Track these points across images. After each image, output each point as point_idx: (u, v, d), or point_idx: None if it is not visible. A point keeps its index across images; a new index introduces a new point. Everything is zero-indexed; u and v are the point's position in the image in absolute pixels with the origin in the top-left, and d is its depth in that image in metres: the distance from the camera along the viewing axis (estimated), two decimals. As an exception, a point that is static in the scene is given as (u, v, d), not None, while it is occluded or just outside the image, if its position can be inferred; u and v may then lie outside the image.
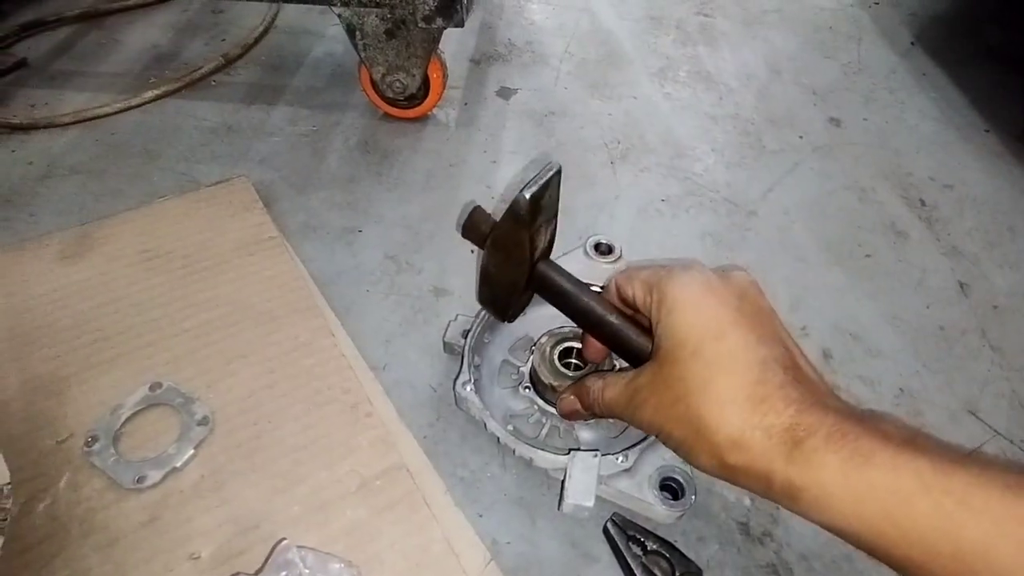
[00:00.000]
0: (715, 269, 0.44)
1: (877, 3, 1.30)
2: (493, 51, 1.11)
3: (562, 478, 0.52)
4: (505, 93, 1.01)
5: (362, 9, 0.78)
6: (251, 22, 1.11)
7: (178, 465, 0.52)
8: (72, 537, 0.48)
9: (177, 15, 1.15)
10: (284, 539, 0.46)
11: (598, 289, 0.52)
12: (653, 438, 0.53)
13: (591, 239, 0.68)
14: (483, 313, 0.62)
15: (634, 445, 0.53)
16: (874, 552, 0.33)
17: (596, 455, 0.51)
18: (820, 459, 0.33)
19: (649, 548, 0.49)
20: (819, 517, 0.34)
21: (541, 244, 0.48)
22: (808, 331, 0.69)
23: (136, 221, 0.73)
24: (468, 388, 0.56)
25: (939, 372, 0.66)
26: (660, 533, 0.51)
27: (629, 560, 0.49)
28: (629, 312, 0.48)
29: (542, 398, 0.59)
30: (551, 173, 0.44)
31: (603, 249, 0.68)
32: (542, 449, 0.53)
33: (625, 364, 0.51)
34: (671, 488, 0.51)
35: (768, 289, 0.45)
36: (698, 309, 0.40)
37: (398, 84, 0.86)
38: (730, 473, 0.37)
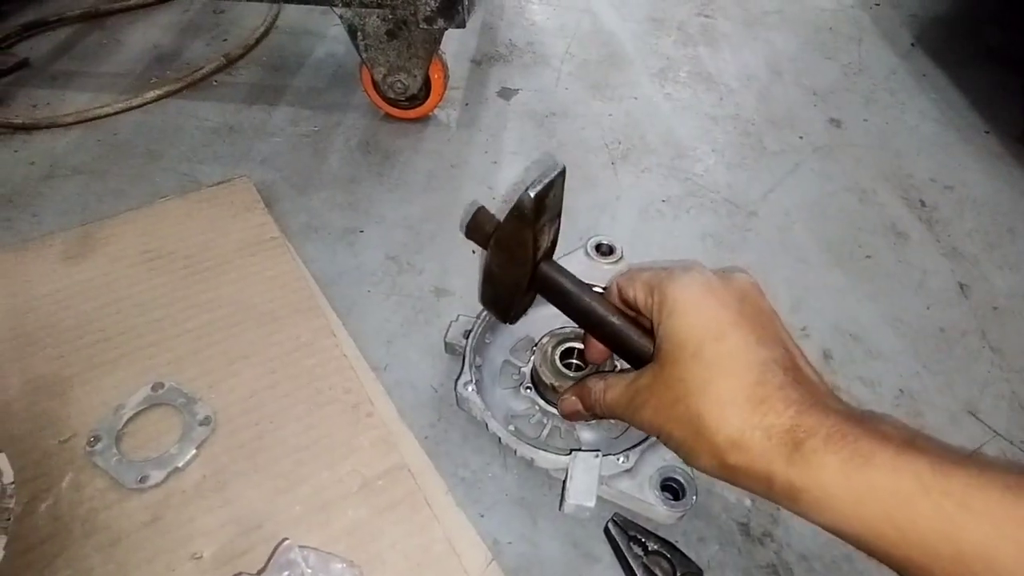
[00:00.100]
0: (716, 271, 0.44)
1: (878, 4, 1.30)
2: (494, 52, 1.11)
3: (563, 478, 0.52)
4: (506, 94, 1.01)
5: (364, 10, 0.78)
6: (252, 22, 1.11)
7: (180, 465, 0.52)
8: (74, 537, 0.48)
9: (178, 15, 1.15)
10: (286, 539, 0.47)
11: (600, 290, 0.52)
12: (654, 439, 0.53)
13: (592, 240, 0.68)
14: (484, 313, 0.62)
15: (635, 446, 0.53)
16: (875, 553, 0.33)
17: (597, 455, 0.51)
18: (820, 460, 0.33)
19: (650, 548, 0.50)
20: (819, 518, 0.34)
21: (544, 244, 0.48)
22: (808, 332, 0.69)
23: (138, 221, 0.73)
24: (470, 388, 0.56)
25: (939, 373, 0.66)
26: (661, 533, 0.51)
27: (630, 560, 0.49)
28: (631, 314, 0.48)
29: (543, 398, 0.59)
30: (555, 173, 0.44)
31: (604, 250, 0.68)
32: (543, 449, 0.53)
33: (626, 365, 0.51)
34: (672, 489, 0.52)
35: (768, 290, 0.45)
36: (698, 310, 0.40)
37: (399, 85, 0.86)
38: (730, 474, 0.37)
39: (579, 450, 0.53)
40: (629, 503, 0.52)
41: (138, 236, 0.71)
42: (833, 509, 0.33)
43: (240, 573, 0.46)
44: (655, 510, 0.51)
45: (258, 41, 1.07)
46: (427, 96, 0.90)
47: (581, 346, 0.59)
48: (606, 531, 0.51)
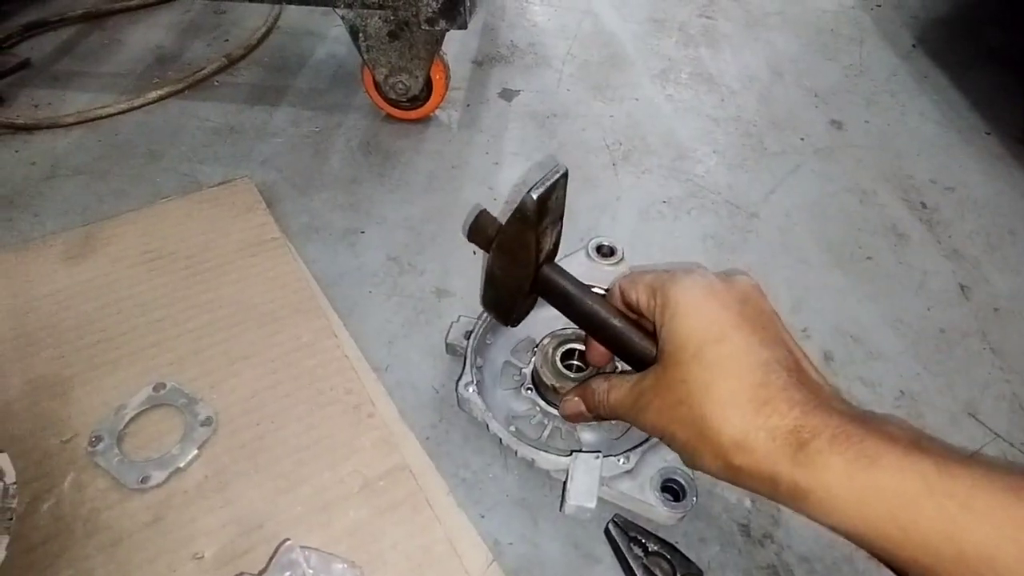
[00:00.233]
0: (718, 273, 0.44)
1: (879, 5, 1.30)
2: (495, 53, 1.11)
3: (564, 479, 0.52)
4: (507, 95, 1.01)
5: (365, 11, 0.78)
6: (254, 23, 1.11)
7: (182, 465, 0.52)
8: (76, 537, 0.48)
9: (180, 15, 1.15)
10: (288, 539, 0.47)
11: (601, 293, 0.52)
12: (655, 440, 0.53)
13: (593, 241, 0.68)
14: (485, 314, 0.62)
15: (636, 447, 0.53)
16: (879, 554, 0.33)
17: (598, 456, 0.51)
18: (825, 461, 0.33)
19: (650, 549, 0.50)
20: (824, 519, 0.34)
21: (546, 247, 0.48)
22: (809, 333, 0.69)
23: (139, 222, 0.73)
24: (471, 389, 0.56)
25: (940, 374, 0.66)
26: (661, 534, 0.51)
27: (630, 561, 0.49)
28: (632, 316, 0.48)
29: (544, 399, 0.59)
30: (558, 175, 0.44)
31: (605, 251, 0.68)
32: (544, 450, 0.53)
33: (628, 368, 0.51)
34: (672, 490, 0.52)
35: (769, 291, 0.45)
36: (700, 312, 0.40)
37: (401, 86, 0.86)
38: (734, 475, 0.37)
39: (580, 451, 0.53)
40: (630, 504, 0.52)
41: (139, 236, 0.71)
42: (838, 510, 0.33)
43: (242, 573, 0.46)
44: (656, 511, 0.51)
45: (259, 42, 1.08)
46: (428, 97, 0.90)
47: (582, 347, 0.59)
48: (607, 532, 0.51)
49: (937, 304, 0.73)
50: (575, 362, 0.59)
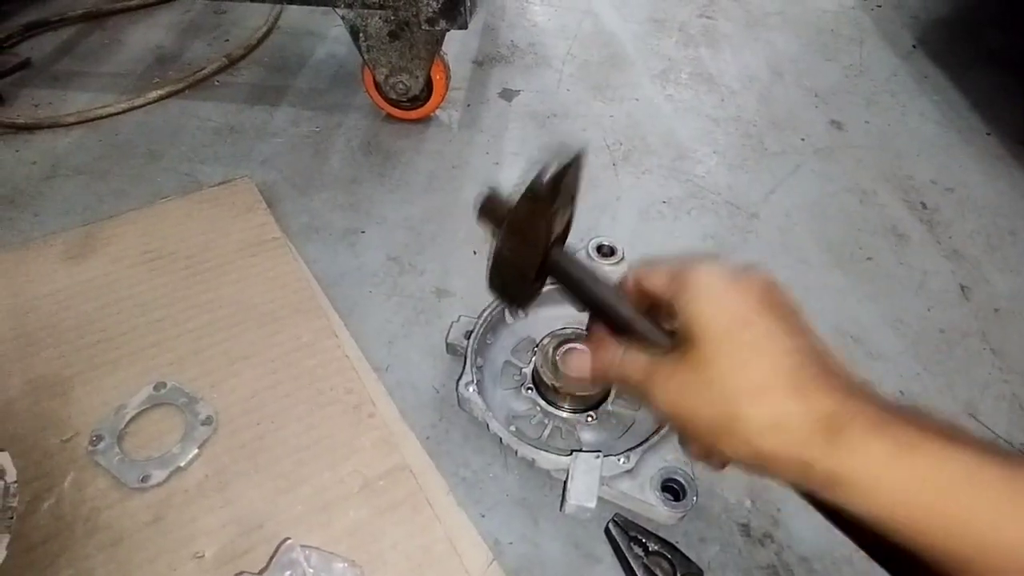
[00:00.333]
0: (734, 266, 0.43)
1: (879, 6, 1.30)
2: (496, 53, 1.11)
3: (564, 479, 0.52)
4: (508, 95, 1.01)
5: (366, 11, 0.78)
6: (254, 23, 1.11)
7: (182, 465, 0.52)
8: (76, 536, 0.48)
9: (180, 15, 1.15)
10: (288, 539, 0.47)
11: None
12: (656, 440, 0.53)
13: (593, 241, 0.68)
14: (486, 314, 0.62)
15: (636, 446, 0.53)
16: (915, 543, 0.32)
17: (598, 456, 0.51)
18: (865, 448, 0.32)
19: (651, 549, 0.50)
20: (860, 506, 0.33)
21: (558, 229, 0.46)
22: (809, 333, 0.69)
23: (139, 222, 0.73)
24: (471, 389, 0.56)
25: (940, 375, 0.66)
26: (662, 534, 0.51)
27: (631, 561, 0.49)
28: (644, 306, 0.46)
29: (544, 399, 0.59)
30: (572, 157, 0.43)
31: (605, 251, 0.68)
32: (544, 450, 0.53)
33: None
34: (673, 489, 0.52)
35: (770, 292, 0.45)
36: (725, 296, 0.39)
37: (401, 86, 0.86)
38: (760, 460, 0.36)
39: (580, 451, 0.53)
40: (630, 504, 0.52)
41: (139, 236, 0.71)
42: (875, 498, 0.32)
43: (242, 573, 0.46)
44: (656, 511, 0.51)
45: (260, 41, 1.08)
46: (429, 97, 0.90)
47: (583, 347, 0.59)
48: (607, 532, 0.51)
49: (937, 304, 0.73)
50: (575, 362, 0.59)
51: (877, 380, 0.65)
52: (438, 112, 0.95)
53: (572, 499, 0.50)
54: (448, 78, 0.90)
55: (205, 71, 0.99)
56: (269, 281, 0.67)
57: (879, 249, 0.80)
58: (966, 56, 1.16)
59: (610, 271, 0.66)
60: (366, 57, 0.84)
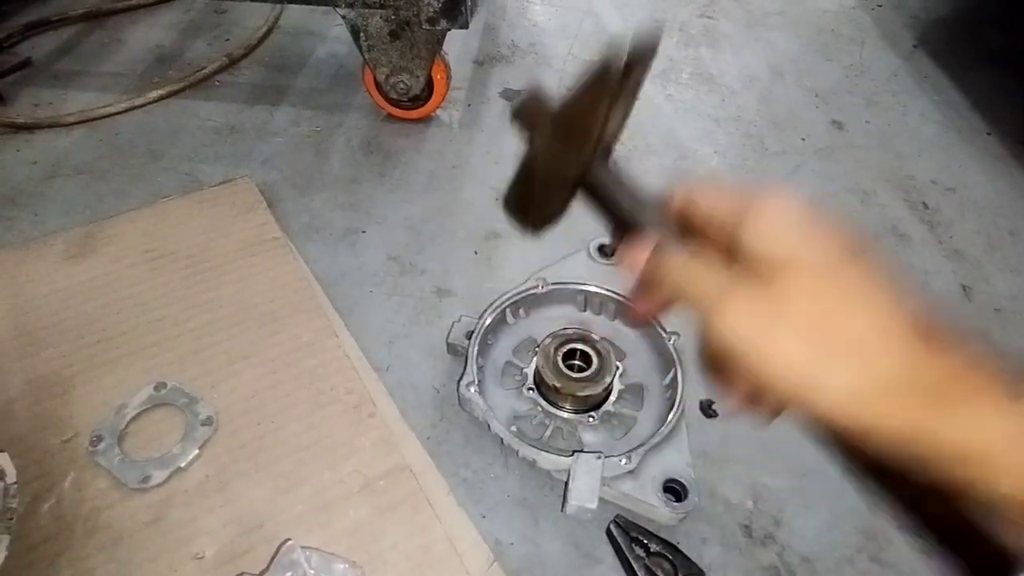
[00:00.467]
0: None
1: (880, 6, 1.30)
2: (496, 52, 1.11)
3: (565, 480, 0.52)
4: (508, 94, 1.01)
5: (366, 10, 0.78)
6: (254, 22, 1.11)
7: (183, 465, 0.52)
8: (76, 536, 0.48)
9: (180, 15, 1.15)
10: (289, 539, 0.47)
11: None
12: (656, 440, 0.53)
13: (594, 241, 0.68)
14: (487, 314, 0.62)
15: (637, 447, 0.53)
16: None
17: (599, 457, 0.51)
18: (999, 421, 0.29)
19: (652, 550, 0.50)
20: (992, 486, 0.29)
21: (612, 129, 0.40)
22: (810, 333, 0.69)
23: (140, 221, 0.73)
24: (472, 389, 0.56)
25: (941, 375, 0.66)
26: (663, 535, 0.51)
27: (632, 561, 0.49)
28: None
29: (546, 400, 0.59)
30: (650, 42, 0.36)
31: (607, 251, 0.68)
32: (546, 451, 0.53)
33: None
34: (674, 490, 0.52)
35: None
36: (813, 234, 0.33)
37: (402, 85, 0.86)
38: (854, 420, 0.31)
39: (581, 451, 0.53)
40: (631, 504, 0.52)
41: (140, 236, 0.71)
42: (1007, 470, 0.28)
43: (242, 573, 0.46)
44: (657, 511, 0.51)
45: (260, 41, 1.07)
46: (429, 97, 0.90)
47: (583, 347, 0.59)
48: (608, 532, 0.51)
49: (938, 304, 0.73)
50: (577, 362, 0.59)
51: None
52: (439, 112, 0.95)
53: (573, 500, 0.49)
54: (449, 78, 0.90)
55: (205, 71, 0.98)
56: (269, 281, 0.67)
57: (880, 249, 0.79)
58: (966, 56, 1.16)
59: (611, 271, 0.66)
60: (367, 57, 0.84)
